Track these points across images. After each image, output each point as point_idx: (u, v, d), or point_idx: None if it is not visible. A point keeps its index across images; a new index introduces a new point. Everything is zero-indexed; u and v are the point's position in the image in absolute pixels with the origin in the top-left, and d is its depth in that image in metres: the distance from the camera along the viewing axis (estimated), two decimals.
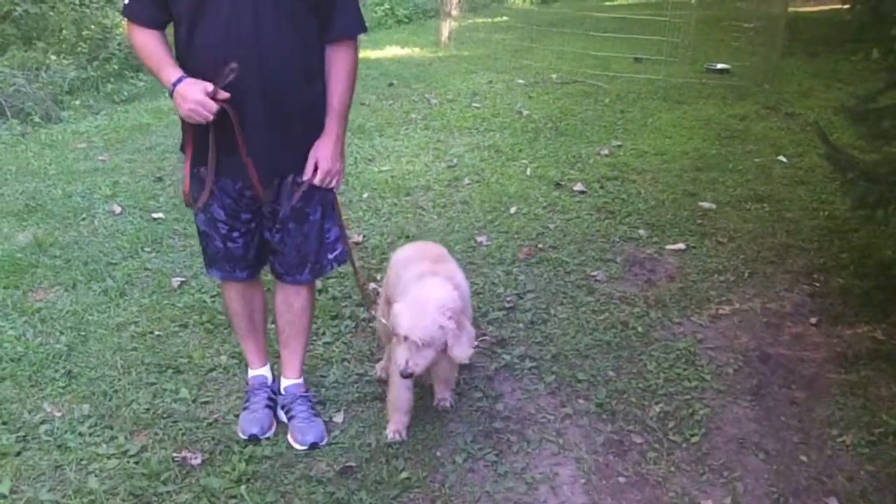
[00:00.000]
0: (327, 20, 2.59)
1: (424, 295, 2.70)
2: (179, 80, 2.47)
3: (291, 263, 2.84)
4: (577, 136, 6.64)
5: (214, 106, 2.45)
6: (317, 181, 2.66)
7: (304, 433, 2.89)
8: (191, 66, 2.52)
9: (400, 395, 2.90)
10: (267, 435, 2.94)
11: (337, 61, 2.65)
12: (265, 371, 3.14)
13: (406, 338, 2.64)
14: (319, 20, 2.58)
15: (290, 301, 2.95)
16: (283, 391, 3.06)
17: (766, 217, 4.94)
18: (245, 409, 3.03)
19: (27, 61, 8.00)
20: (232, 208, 2.74)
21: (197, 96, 2.42)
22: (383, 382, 3.20)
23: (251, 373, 3.14)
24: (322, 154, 2.65)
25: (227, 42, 2.47)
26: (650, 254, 4.45)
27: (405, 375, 2.68)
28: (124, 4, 2.54)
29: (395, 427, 2.95)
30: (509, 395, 3.21)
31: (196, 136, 2.59)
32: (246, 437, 2.92)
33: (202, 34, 2.50)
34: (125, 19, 2.58)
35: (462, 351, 2.70)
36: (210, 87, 2.44)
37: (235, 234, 2.78)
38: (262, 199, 2.69)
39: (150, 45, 2.56)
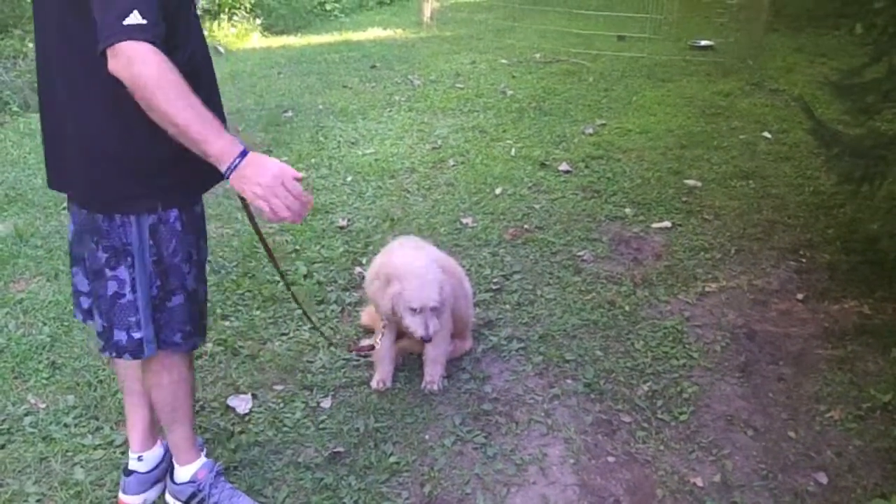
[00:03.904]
0: None
1: (416, 263, 2.89)
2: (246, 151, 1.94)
3: None
4: (562, 115, 6.61)
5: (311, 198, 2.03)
6: None
7: None
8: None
9: (386, 348, 3.10)
10: None
11: None
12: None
13: (420, 309, 2.80)
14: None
15: None
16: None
17: (752, 194, 4.93)
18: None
19: (4, 49, 7.88)
20: None
21: (290, 173, 1.95)
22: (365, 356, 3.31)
23: (200, 462, 2.53)
24: None
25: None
26: (636, 232, 4.44)
27: (428, 340, 2.88)
28: (140, 25, 1.77)
29: (381, 377, 3.13)
30: (497, 377, 3.20)
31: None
32: None
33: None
34: (131, 43, 1.78)
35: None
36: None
37: None
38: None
39: (182, 80, 1.86)
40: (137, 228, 2.11)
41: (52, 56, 2.05)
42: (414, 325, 2.83)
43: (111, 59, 1.79)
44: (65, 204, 4.83)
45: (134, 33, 1.77)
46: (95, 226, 2.13)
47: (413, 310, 2.81)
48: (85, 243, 2.20)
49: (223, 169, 1.92)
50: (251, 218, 2.30)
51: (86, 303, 2.33)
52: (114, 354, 2.24)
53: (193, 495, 2.50)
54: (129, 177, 2.07)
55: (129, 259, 2.13)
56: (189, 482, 2.49)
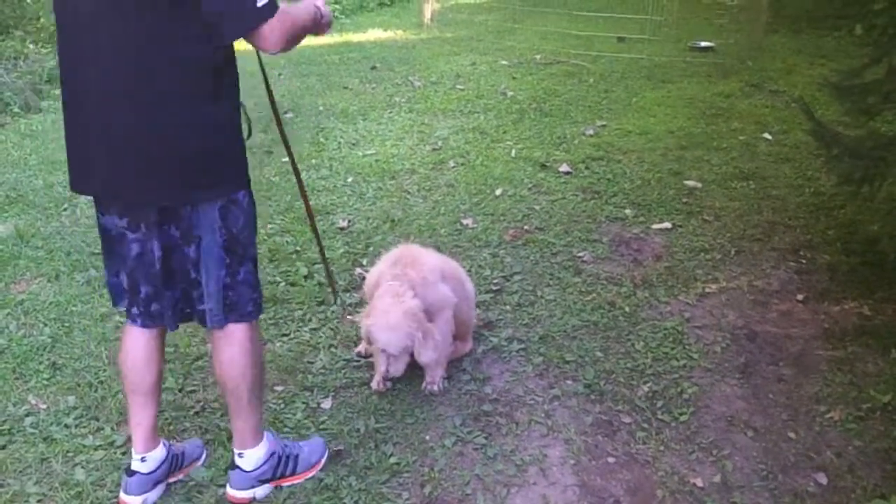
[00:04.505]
0: None
1: (392, 311, 2.88)
2: None
3: None
4: (562, 116, 6.61)
5: None
6: None
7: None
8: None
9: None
10: None
11: None
12: None
13: (383, 350, 2.89)
14: None
15: None
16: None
17: (752, 195, 4.93)
18: None
19: (5, 51, 7.91)
20: None
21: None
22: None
23: (265, 436, 2.61)
24: None
25: None
26: (636, 233, 4.45)
27: (388, 379, 3.06)
28: (269, 3, 2.01)
29: (380, 378, 3.12)
30: (497, 378, 3.20)
31: None
32: None
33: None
34: (270, 21, 2.03)
35: (427, 355, 2.94)
36: None
37: None
38: None
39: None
40: (205, 216, 2.21)
41: (102, 55, 2.06)
42: (379, 359, 2.96)
43: (269, 41, 2.04)
44: (65, 205, 4.85)
45: (269, 10, 2.00)
46: (154, 220, 2.22)
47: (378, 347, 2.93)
48: (125, 241, 2.28)
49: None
50: (279, 121, 2.72)
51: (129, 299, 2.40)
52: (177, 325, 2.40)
53: (279, 463, 2.58)
54: (209, 168, 2.19)
55: (194, 244, 2.25)
56: (269, 455, 2.56)
